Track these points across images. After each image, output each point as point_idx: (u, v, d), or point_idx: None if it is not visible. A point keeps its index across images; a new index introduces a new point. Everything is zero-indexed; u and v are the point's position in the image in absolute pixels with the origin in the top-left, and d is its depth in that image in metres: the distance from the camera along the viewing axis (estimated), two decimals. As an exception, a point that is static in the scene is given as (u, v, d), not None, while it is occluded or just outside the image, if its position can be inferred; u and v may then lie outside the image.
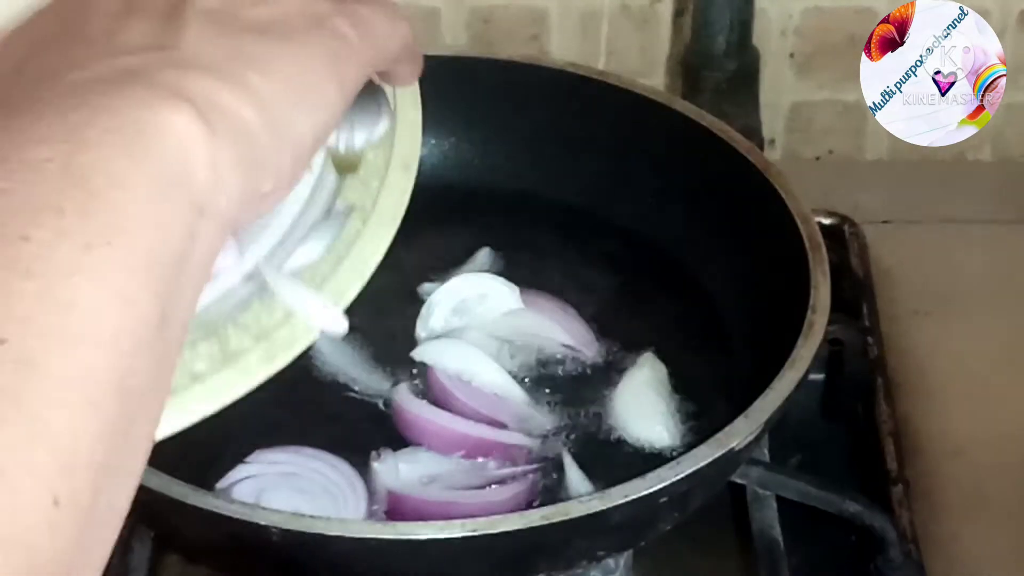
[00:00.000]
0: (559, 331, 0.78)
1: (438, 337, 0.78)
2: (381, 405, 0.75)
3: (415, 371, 0.76)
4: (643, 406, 0.75)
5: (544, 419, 0.74)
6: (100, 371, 0.35)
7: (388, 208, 0.54)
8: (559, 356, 0.78)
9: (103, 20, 0.43)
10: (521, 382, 0.76)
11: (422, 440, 0.72)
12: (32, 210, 0.36)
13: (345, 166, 0.54)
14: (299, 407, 0.74)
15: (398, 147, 0.55)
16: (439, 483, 0.71)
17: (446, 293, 0.79)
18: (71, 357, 0.35)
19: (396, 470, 0.70)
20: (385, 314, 0.77)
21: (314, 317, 0.51)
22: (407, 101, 0.56)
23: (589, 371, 0.77)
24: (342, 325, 0.52)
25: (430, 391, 0.75)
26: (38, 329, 0.34)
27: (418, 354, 0.76)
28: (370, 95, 0.53)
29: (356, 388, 0.76)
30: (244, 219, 0.42)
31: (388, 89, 0.55)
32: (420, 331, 0.78)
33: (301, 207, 0.53)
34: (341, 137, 0.53)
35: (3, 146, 0.37)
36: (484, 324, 0.78)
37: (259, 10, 0.44)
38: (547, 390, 0.76)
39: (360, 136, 0.54)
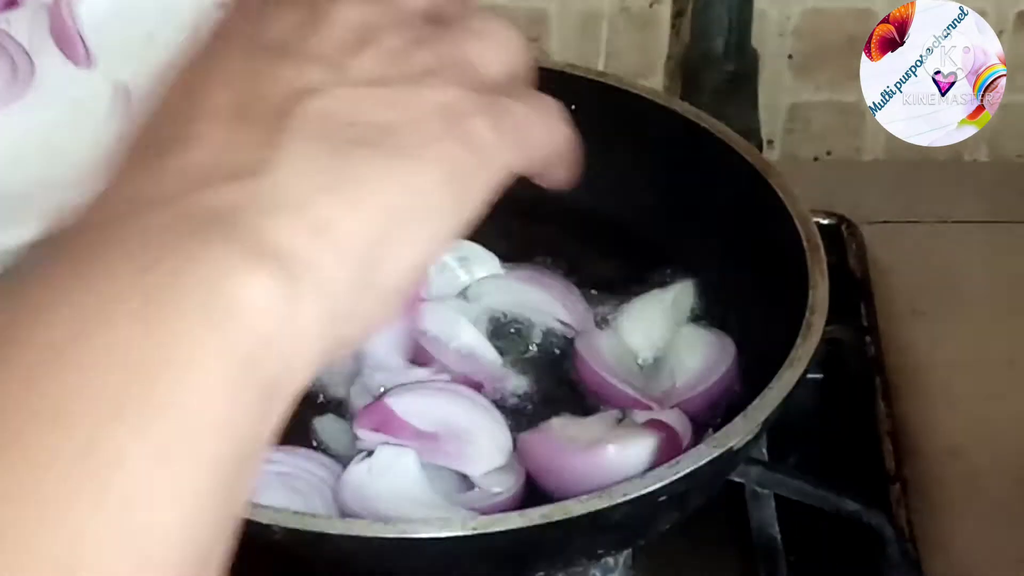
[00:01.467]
0: (559, 308, 0.79)
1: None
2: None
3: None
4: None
5: (519, 380, 0.75)
6: None
7: None
8: (550, 330, 0.79)
9: (208, 126, 0.36)
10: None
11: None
12: (100, 408, 0.31)
13: None
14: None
15: None
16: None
17: None
18: None
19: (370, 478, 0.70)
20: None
21: None
22: None
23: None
24: None
25: (410, 352, 0.76)
26: (113, 554, 0.31)
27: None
28: None
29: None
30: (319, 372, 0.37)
31: None
32: None
33: None
34: None
35: (78, 307, 0.32)
36: (481, 295, 0.79)
37: (386, 114, 0.37)
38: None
39: None
